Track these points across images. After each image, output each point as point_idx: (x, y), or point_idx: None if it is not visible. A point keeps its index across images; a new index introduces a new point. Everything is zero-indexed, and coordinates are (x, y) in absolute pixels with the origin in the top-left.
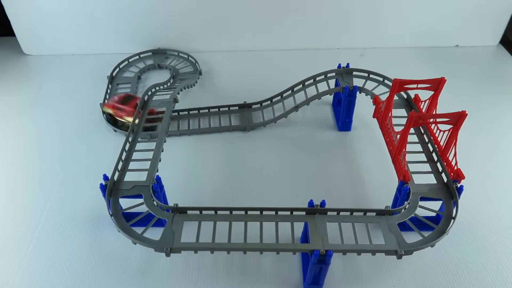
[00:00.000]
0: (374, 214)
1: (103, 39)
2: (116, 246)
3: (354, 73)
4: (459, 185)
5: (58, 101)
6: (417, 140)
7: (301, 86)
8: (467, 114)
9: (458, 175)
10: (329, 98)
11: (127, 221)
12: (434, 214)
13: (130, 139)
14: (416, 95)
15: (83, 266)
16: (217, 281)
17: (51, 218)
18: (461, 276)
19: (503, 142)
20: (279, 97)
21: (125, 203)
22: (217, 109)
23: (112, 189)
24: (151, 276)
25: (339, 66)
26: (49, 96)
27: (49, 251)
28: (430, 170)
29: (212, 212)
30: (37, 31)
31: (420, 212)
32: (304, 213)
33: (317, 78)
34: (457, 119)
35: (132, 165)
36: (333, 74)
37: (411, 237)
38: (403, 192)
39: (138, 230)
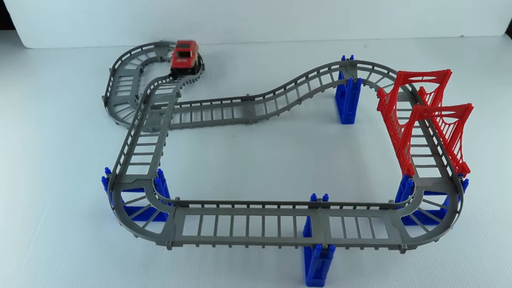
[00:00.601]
0: (377, 208)
1: (104, 32)
2: (118, 240)
3: (358, 65)
4: (464, 179)
5: (59, 95)
6: (421, 133)
7: (304, 78)
8: (473, 107)
9: (463, 169)
10: (333, 90)
11: (129, 214)
12: (438, 208)
13: (132, 133)
14: (421, 88)
15: (85, 259)
16: (219, 275)
17: (53, 212)
18: (464, 270)
19: (509, 134)
20: (282, 90)
21: (127, 196)
22: (219, 102)
23: (114, 182)
24: (153, 269)
25: (343, 58)
26: (50, 90)
27: (51, 245)
28: (434, 163)
29: (214, 205)
30: (38, 24)
31: (424, 206)
32: (306, 207)
33: (321, 71)
34: (462, 112)
35: (134, 159)
36: (337, 66)
37: (415, 231)
38: (407, 186)
39: (140, 224)
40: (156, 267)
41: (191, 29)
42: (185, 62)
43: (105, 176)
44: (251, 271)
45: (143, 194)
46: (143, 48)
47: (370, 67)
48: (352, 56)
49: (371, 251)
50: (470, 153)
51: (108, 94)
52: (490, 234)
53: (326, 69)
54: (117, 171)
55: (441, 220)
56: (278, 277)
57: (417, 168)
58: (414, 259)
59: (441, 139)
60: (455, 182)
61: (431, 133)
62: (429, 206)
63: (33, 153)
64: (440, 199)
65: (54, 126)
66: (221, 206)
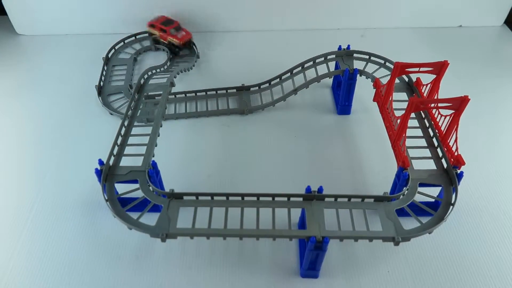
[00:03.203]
0: (372, 200)
1: (98, 19)
2: (113, 231)
3: (355, 55)
4: (459, 171)
5: (52, 83)
6: (417, 125)
7: (300, 68)
8: (469, 99)
9: (458, 161)
10: (329, 80)
11: (123, 206)
12: (433, 200)
13: (125, 123)
14: (418, 79)
15: (78, 250)
16: (212, 266)
17: (46, 202)
18: (456, 261)
19: (505, 126)
20: (278, 80)
21: (121, 188)
22: (214, 92)
23: (107, 174)
24: (147, 260)
25: (339, 47)
26: (42, 77)
27: (43, 234)
28: (430, 155)
29: (209, 197)
30: (30, 10)
31: (418, 198)
32: (301, 199)
33: (317, 60)
34: (459, 104)
35: (127, 150)
36: (333, 56)
37: (409, 223)
38: (402, 178)
39: (135, 215)
40: (150, 258)
41: (186, 17)
42: (186, 34)
43: (99, 168)
44: (246, 263)
45: (137, 185)
46: (137, 37)
47: (367, 57)
48: (348, 46)
49: (365, 242)
50: (466, 145)
51: (101, 83)
52: (483, 226)
53: (322, 59)
54: (111, 162)
55: (435, 212)
56: (272, 268)
57: (412, 160)
58: (406, 250)
59: (436, 131)
60: (450, 175)
61: (427, 124)
62: (423, 197)
63: (26, 143)
64: (435, 191)
65: (46, 116)
66: (215, 198)
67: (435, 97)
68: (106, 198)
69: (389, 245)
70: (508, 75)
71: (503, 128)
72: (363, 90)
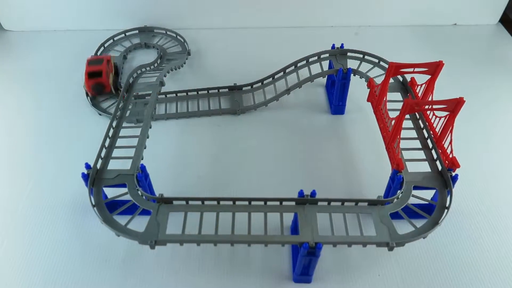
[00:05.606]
0: (365, 204)
1: (87, 15)
2: (101, 234)
3: (349, 54)
4: (453, 174)
5: (39, 80)
6: (412, 126)
7: (293, 67)
8: (464, 101)
9: (453, 164)
10: (322, 80)
11: (112, 210)
12: (426, 202)
13: (114, 124)
14: (412, 79)
15: (64, 253)
16: (203, 271)
17: (31, 205)
18: (448, 264)
19: (500, 127)
20: (271, 79)
21: (109, 191)
22: (206, 92)
23: (94, 178)
24: (135, 264)
25: (333, 46)
26: (29, 75)
27: (28, 238)
28: (424, 157)
29: (199, 202)
30: (18, 5)
31: (413, 201)
32: (293, 203)
33: (310, 59)
34: (454, 106)
35: (116, 152)
36: (327, 55)
37: (403, 226)
38: (396, 181)
39: (124, 218)
40: (138, 262)
41: (178, 13)
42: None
43: (86, 172)
44: (237, 267)
45: (126, 190)
46: (127, 34)
47: (361, 56)
48: (342, 44)
49: (359, 247)
50: (461, 146)
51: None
52: (477, 229)
53: (316, 58)
54: (98, 165)
55: (430, 216)
56: (265, 273)
57: (406, 162)
58: (397, 253)
59: (431, 133)
60: (444, 177)
61: (422, 126)
62: (418, 200)
63: (11, 143)
64: (430, 193)
65: (33, 116)
66: (206, 202)
67: (430, 98)
68: (93, 203)
69: (381, 248)
70: (502, 74)
71: (498, 128)
72: (357, 89)
